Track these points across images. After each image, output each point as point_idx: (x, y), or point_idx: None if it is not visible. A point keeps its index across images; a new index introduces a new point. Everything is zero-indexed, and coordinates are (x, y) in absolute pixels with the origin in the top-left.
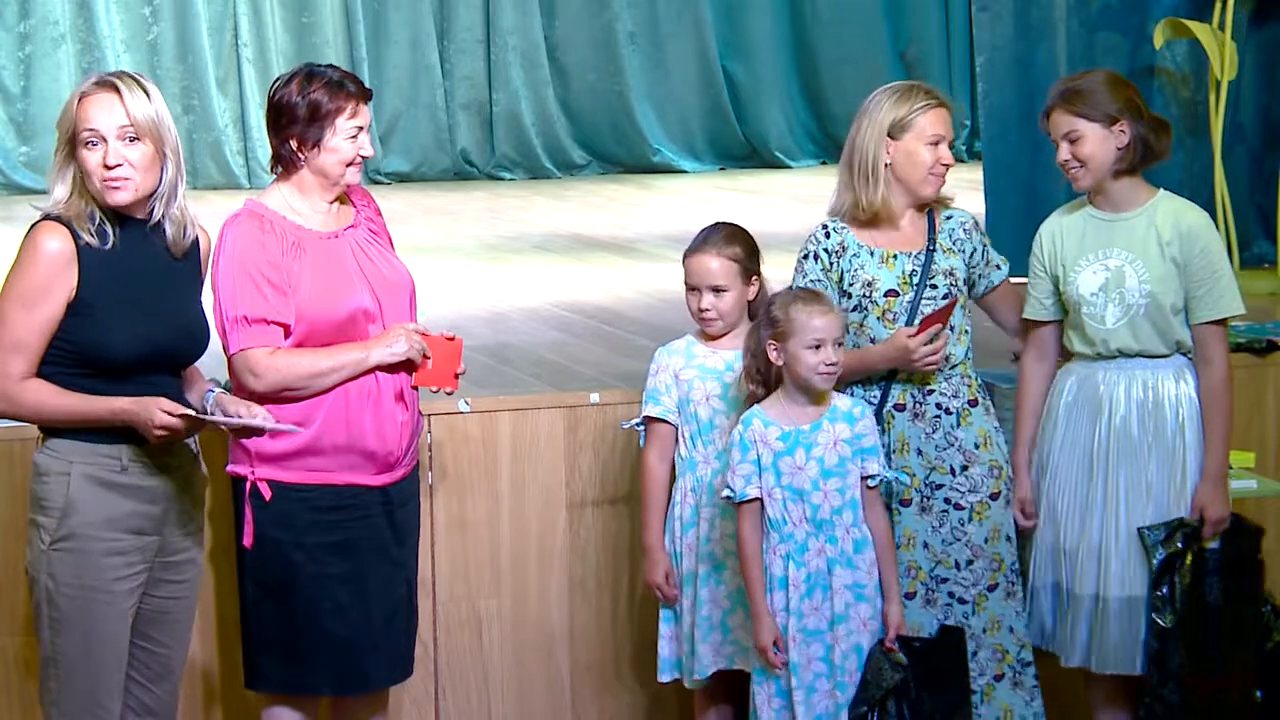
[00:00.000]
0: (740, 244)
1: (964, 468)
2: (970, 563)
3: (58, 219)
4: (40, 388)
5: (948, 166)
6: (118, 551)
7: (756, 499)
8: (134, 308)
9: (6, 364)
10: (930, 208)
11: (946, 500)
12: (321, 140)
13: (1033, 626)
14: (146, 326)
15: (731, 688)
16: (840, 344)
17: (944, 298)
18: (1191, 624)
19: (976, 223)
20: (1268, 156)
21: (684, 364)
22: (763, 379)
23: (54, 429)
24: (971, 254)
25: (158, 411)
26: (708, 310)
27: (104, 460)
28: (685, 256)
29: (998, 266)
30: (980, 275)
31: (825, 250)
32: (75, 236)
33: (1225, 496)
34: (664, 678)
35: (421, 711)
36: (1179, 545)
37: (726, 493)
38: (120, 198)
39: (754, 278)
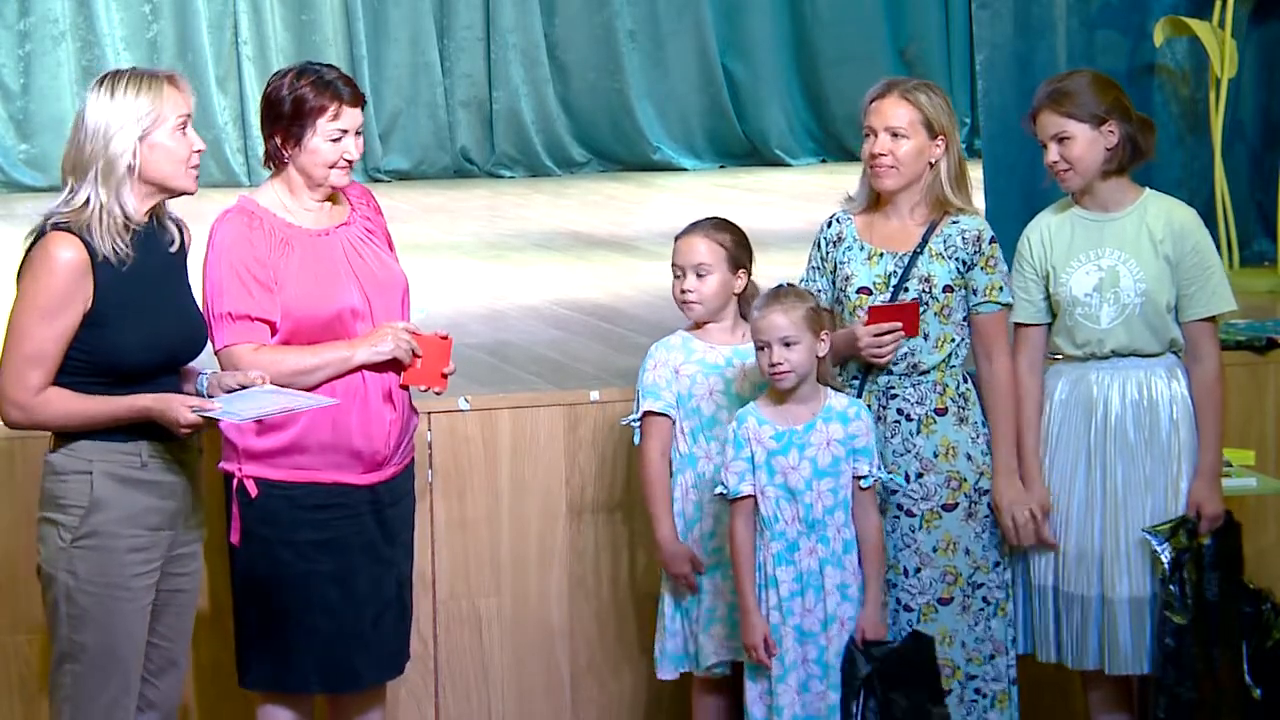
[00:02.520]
0: (729, 233)
1: (919, 475)
2: (918, 570)
3: (66, 228)
4: (59, 396)
5: (875, 156)
6: (138, 548)
7: (750, 496)
8: (145, 313)
9: (25, 377)
10: (943, 210)
11: (899, 506)
12: (302, 139)
13: (1038, 634)
14: (158, 331)
15: (730, 680)
16: (791, 344)
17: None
18: (1200, 621)
19: (983, 236)
20: (1268, 154)
21: (683, 359)
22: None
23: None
24: (965, 264)
25: (184, 410)
26: (689, 293)
27: (124, 457)
28: (674, 242)
29: (976, 292)
30: (966, 293)
31: (825, 239)
32: (88, 247)
33: (1220, 493)
34: (663, 675)
35: (421, 709)
36: (1184, 541)
37: (720, 489)
38: (195, 184)
39: (741, 270)
